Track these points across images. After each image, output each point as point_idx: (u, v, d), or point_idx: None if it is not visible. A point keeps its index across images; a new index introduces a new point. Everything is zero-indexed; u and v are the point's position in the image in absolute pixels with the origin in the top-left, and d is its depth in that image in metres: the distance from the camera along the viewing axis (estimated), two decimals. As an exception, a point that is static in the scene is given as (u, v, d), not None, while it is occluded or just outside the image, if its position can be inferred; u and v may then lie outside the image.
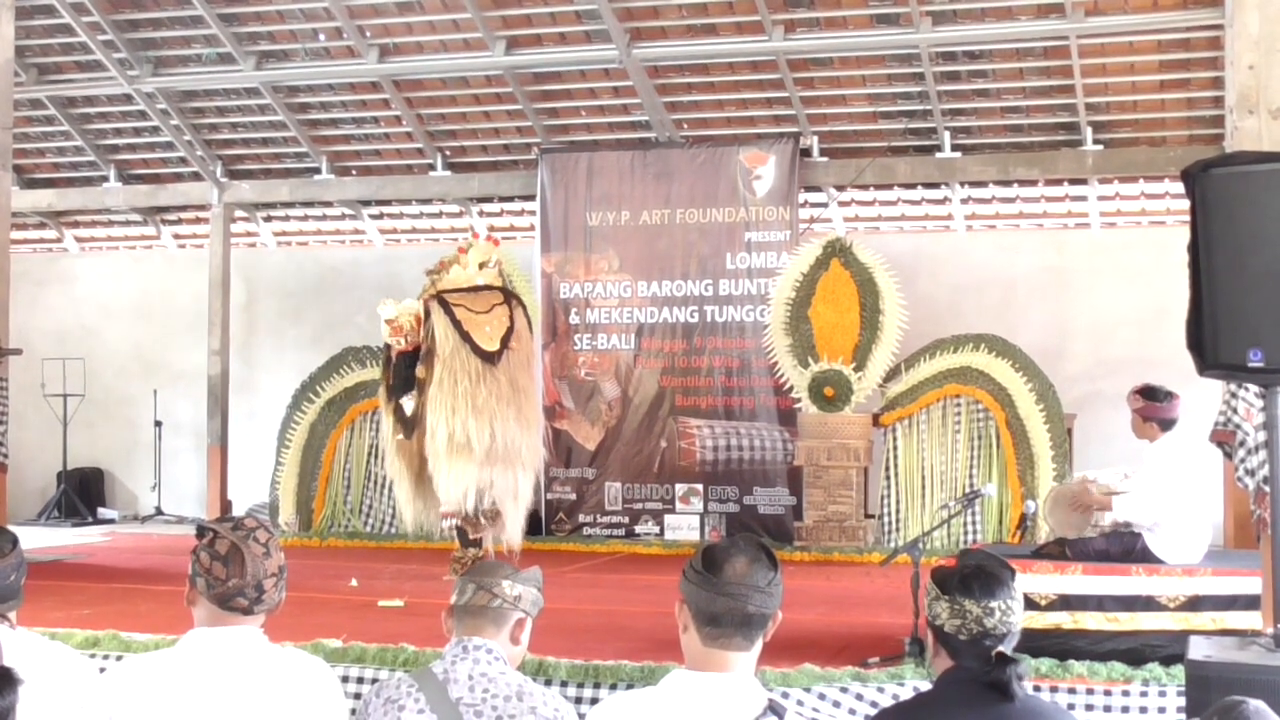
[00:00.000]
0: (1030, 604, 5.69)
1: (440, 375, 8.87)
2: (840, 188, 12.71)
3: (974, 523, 11.16)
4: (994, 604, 2.78)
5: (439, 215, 14.52)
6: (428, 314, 9.16)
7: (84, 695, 2.97)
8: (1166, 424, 6.47)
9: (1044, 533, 8.48)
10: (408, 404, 9.14)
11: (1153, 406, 6.47)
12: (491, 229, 14.12)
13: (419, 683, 2.93)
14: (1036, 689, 5.41)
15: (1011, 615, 2.80)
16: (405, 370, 9.27)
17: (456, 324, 8.98)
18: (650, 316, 12.65)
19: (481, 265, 9.50)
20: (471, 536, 8.96)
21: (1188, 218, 4.24)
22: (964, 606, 2.78)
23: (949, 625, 2.80)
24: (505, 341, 9.07)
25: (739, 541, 2.71)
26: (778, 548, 10.95)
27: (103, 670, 3.19)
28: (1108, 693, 5.72)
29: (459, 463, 8.75)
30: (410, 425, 9.12)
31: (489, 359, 8.94)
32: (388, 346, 9.42)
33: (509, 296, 9.47)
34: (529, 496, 9.25)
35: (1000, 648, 2.77)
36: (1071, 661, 6.03)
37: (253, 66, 12.90)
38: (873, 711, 5.51)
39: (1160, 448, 6.46)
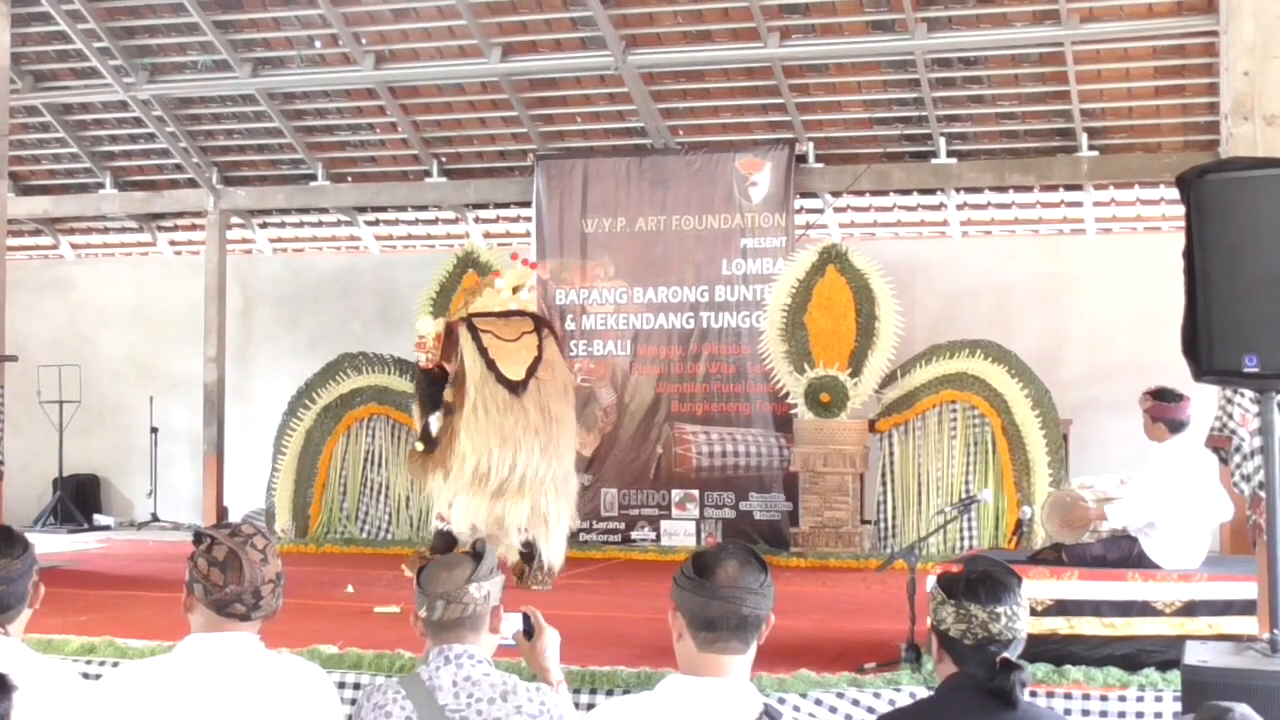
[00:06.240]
0: (1026, 609, 5.68)
1: (474, 402, 8.86)
2: (836, 194, 12.72)
3: (970, 528, 11.16)
4: (1000, 610, 2.77)
5: (435, 222, 14.51)
6: (449, 334, 9.13)
7: (74, 706, 2.96)
8: (1175, 425, 6.44)
9: (1040, 538, 8.49)
10: (434, 424, 9.14)
11: (1161, 407, 6.45)
12: (488, 235, 14.15)
13: (405, 689, 2.96)
14: (1033, 694, 5.41)
15: (1017, 621, 2.79)
16: (427, 388, 9.27)
17: (483, 351, 8.95)
18: (646, 323, 12.65)
19: (515, 290, 9.45)
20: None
21: (1183, 224, 4.26)
22: (970, 611, 2.77)
23: (954, 630, 2.79)
24: (532, 371, 9.03)
25: (727, 546, 2.72)
26: (774, 554, 11.11)
27: (99, 677, 3.18)
28: (1104, 698, 5.73)
29: (475, 496, 8.78)
30: (432, 442, 9.14)
31: (513, 389, 8.92)
32: (416, 363, 9.55)
33: (540, 324, 9.43)
34: (566, 521, 9.27)
35: (1005, 654, 2.76)
36: (1068, 667, 6.02)
37: (248, 73, 12.90)
38: (869, 717, 5.50)
39: (1165, 450, 6.44)
